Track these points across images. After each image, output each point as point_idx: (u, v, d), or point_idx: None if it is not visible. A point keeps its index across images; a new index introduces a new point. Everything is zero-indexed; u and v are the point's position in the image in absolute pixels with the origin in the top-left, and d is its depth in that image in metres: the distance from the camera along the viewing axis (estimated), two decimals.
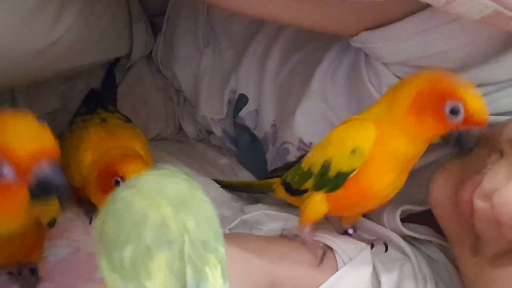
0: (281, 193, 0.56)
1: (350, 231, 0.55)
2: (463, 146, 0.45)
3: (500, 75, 0.49)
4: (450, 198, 0.46)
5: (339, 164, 0.47)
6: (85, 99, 0.70)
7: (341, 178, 0.47)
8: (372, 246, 0.53)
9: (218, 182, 0.70)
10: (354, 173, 0.46)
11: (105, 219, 0.31)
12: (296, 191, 0.52)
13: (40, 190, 0.37)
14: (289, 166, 0.56)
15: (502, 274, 0.43)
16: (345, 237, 0.54)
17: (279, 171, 0.58)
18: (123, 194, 0.32)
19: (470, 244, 0.46)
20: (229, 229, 0.58)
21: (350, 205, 0.50)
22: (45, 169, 0.37)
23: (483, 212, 0.42)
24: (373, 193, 0.48)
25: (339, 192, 0.48)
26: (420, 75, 0.46)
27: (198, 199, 0.32)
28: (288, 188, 0.54)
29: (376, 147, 0.46)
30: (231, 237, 0.53)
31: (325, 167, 0.48)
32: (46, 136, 0.37)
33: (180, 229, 0.30)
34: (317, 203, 0.49)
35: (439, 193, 0.49)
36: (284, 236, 0.53)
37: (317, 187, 0.49)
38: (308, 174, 0.50)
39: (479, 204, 0.43)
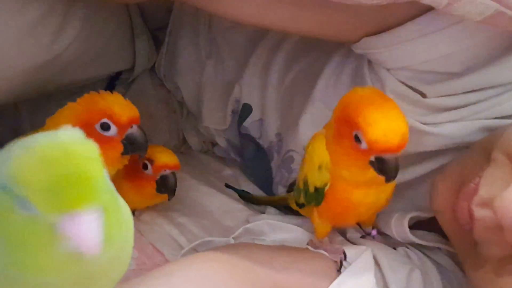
0: (293, 205, 0.57)
1: (374, 232, 0.55)
2: (385, 174, 0.43)
3: (504, 77, 0.49)
4: (451, 204, 0.46)
5: (313, 180, 0.48)
6: None
7: (320, 193, 0.47)
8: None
9: (243, 196, 0.70)
10: (327, 186, 0.47)
11: None
12: (300, 205, 0.54)
13: (130, 146, 0.52)
14: None
15: (508, 281, 0.42)
16: (345, 243, 0.54)
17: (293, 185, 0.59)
18: None
19: (472, 254, 0.46)
20: (233, 238, 0.58)
21: (340, 216, 0.50)
22: (135, 131, 0.52)
23: (483, 219, 0.42)
24: (353, 204, 0.47)
25: (324, 205, 0.48)
26: (339, 102, 0.46)
27: None
28: (296, 201, 0.55)
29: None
30: (236, 247, 0.53)
31: (305, 183, 0.49)
32: (135, 109, 0.52)
33: None
34: (317, 218, 0.51)
35: (440, 200, 0.48)
36: (311, 247, 0.53)
37: (307, 202, 0.50)
38: (300, 190, 0.51)
39: (479, 212, 0.42)
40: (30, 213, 0.26)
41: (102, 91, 0.52)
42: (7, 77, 0.54)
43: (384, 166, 0.42)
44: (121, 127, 0.51)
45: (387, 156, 0.41)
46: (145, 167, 0.59)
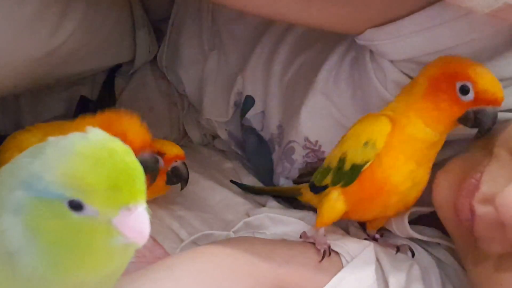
0: (307, 195, 0.57)
1: (377, 235, 0.54)
2: (481, 128, 0.45)
3: (508, 71, 0.49)
4: (452, 200, 0.46)
5: (353, 156, 0.48)
6: (77, 107, 0.71)
7: (356, 171, 0.48)
8: (397, 251, 0.52)
9: (248, 188, 0.70)
10: (368, 164, 0.47)
11: None
12: (318, 188, 0.53)
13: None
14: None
15: (508, 277, 0.42)
16: (347, 237, 0.54)
17: (306, 177, 0.60)
18: None
19: (472, 250, 0.46)
20: (233, 231, 0.58)
21: (367, 201, 0.49)
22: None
23: (485, 216, 0.42)
24: (389, 185, 0.48)
25: (355, 186, 0.48)
26: (433, 62, 0.46)
27: None
28: (313, 186, 0.55)
29: (392, 139, 0.47)
30: (237, 241, 0.53)
31: (341, 160, 0.49)
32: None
33: None
34: (334, 200, 0.50)
35: (441, 195, 0.48)
36: (302, 237, 0.53)
37: (334, 181, 0.50)
38: (327, 170, 0.51)
39: (480, 208, 0.42)
40: (87, 215, 0.26)
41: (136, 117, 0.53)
42: (6, 69, 0.53)
43: (485, 118, 0.44)
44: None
45: (490, 107, 0.44)
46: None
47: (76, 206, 0.26)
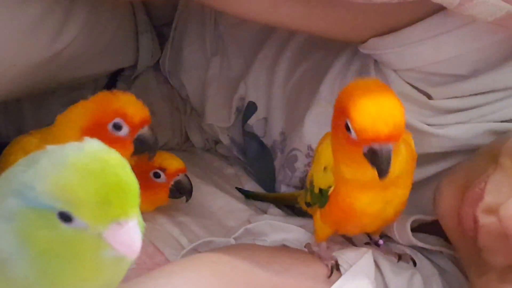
0: (302, 204, 0.56)
1: (381, 241, 0.53)
2: (377, 168, 0.40)
3: (510, 81, 0.48)
4: (456, 209, 0.45)
5: (318, 180, 0.47)
6: None
7: (324, 195, 0.46)
8: (399, 259, 0.52)
9: (247, 194, 0.70)
10: (331, 189, 0.46)
11: None
12: (307, 204, 0.53)
13: (140, 146, 0.52)
14: None
15: None
16: (345, 245, 0.53)
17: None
18: None
19: (476, 260, 0.45)
20: (234, 238, 0.57)
21: (343, 223, 0.49)
22: (146, 132, 0.52)
23: (488, 226, 0.41)
24: (356, 211, 0.46)
25: (328, 208, 0.47)
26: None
27: None
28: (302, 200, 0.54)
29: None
30: (236, 248, 0.53)
31: (311, 183, 0.49)
32: (147, 110, 0.53)
33: None
34: (318, 221, 0.50)
35: (444, 204, 0.48)
36: (308, 250, 0.53)
37: (313, 202, 0.50)
38: (306, 188, 0.51)
39: (484, 218, 0.42)
40: (76, 227, 0.26)
41: (116, 91, 0.53)
42: (8, 74, 0.53)
43: (375, 157, 0.39)
44: (133, 127, 0.51)
45: (377, 146, 0.39)
46: (157, 175, 0.60)
47: (66, 217, 0.26)
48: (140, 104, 0.52)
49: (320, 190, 0.47)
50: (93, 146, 0.28)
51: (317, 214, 0.50)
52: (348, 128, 0.40)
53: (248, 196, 0.70)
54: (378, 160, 0.39)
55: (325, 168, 0.46)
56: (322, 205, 0.48)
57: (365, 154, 0.40)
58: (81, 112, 0.51)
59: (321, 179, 0.46)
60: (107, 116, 0.50)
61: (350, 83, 0.43)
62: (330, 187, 0.46)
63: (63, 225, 0.26)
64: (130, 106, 0.51)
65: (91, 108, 0.51)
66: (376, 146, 0.39)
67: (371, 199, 0.45)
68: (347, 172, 0.43)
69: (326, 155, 0.46)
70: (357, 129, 0.39)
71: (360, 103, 0.39)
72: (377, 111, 0.38)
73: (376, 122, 0.38)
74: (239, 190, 0.70)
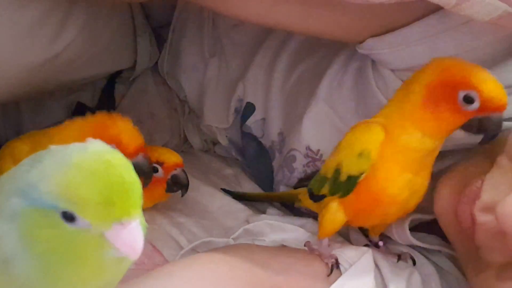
0: (306, 201, 0.56)
1: (381, 243, 0.54)
2: (486, 134, 0.44)
3: (509, 79, 0.48)
4: (453, 208, 0.46)
5: (348, 167, 0.47)
6: (73, 113, 0.71)
7: (352, 182, 0.46)
8: (398, 259, 0.52)
9: (244, 197, 0.70)
10: (363, 176, 0.46)
11: None
12: (317, 197, 0.52)
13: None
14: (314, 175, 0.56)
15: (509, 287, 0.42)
16: (346, 244, 0.53)
17: (305, 181, 0.59)
18: None
19: (474, 259, 0.46)
20: (232, 238, 0.57)
21: (366, 211, 0.49)
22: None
23: (485, 224, 0.42)
24: (386, 197, 0.46)
25: (352, 197, 0.47)
26: (429, 66, 0.45)
27: None
28: (311, 194, 0.54)
29: (385, 149, 0.45)
30: (235, 248, 0.53)
31: (337, 171, 0.48)
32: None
33: None
34: (334, 212, 0.49)
35: (443, 202, 0.48)
36: (308, 248, 0.53)
37: (332, 192, 0.49)
38: (324, 179, 0.50)
39: (481, 216, 0.42)
40: (79, 227, 0.26)
41: (114, 115, 0.53)
42: (7, 76, 0.53)
43: (491, 125, 0.43)
44: (127, 155, 0.51)
45: (495, 114, 0.43)
46: (154, 170, 0.60)
47: (69, 217, 0.26)
48: (135, 131, 0.52)
49: (349, 177, 0.47)
50: (97, 146, 0.28)
51: (333, 205, 0.49)
52: (467, 100, 0.42)
53: (236, 197, 0.69)
54: (494, 126, 0.43)
55: (360, 154, 0.46)
56: (346, 194, 0.47)
57: (468, 126, 0.44)
58: (75, 134, 0.51)
59: (354, 165, 0.46)
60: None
61: (441, 60, 0.45)
62: (362, 173, 0.46)
63: (66, 225, 0.26)
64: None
65: (87, 132, 0.50)
66: (495, 113, 0.43)
67: (403, 186, 0.46)
68: (419, 142, 0.45)
69: (362, 141, 0.46)
70: (487, 99, 0.42)
71: (485, 76, 0.42)
72: (497, 83, 0.43)
73: (501, 92, 0.42)
74: (225, 191, 0.70)
